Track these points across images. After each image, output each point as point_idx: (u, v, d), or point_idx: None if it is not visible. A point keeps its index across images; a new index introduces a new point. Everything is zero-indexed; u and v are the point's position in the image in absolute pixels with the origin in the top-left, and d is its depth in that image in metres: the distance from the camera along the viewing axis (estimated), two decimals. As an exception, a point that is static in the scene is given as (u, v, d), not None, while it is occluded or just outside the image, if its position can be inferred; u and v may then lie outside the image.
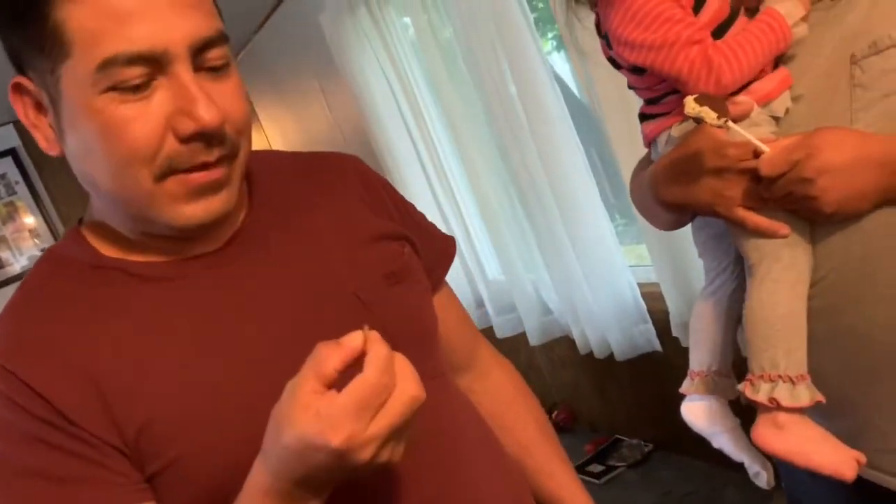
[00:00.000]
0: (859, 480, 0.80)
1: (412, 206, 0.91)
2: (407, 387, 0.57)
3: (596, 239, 2.09)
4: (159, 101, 0.60)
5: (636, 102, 0.94)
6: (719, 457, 0.97)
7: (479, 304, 2.83)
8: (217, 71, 0.63)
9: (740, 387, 0.84)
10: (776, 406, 0.80)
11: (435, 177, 2.71)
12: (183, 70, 0.60)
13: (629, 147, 1.78)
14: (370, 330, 0.58)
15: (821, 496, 0.93)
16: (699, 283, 1.82)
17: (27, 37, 0.61)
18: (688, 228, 1.00)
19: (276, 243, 0.73)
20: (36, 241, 3.60)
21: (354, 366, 0.57)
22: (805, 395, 0.79)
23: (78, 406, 0.62)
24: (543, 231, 2.23)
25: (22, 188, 3.57)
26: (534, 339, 2.52)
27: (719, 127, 0.77)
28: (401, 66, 2.61)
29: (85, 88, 0.59)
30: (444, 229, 3.09)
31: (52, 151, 0.66)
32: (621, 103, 1.74)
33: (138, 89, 0.59)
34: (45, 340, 0.64)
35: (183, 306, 0.66)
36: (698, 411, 0.96)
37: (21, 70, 0.64)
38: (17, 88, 0.65)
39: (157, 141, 0.60)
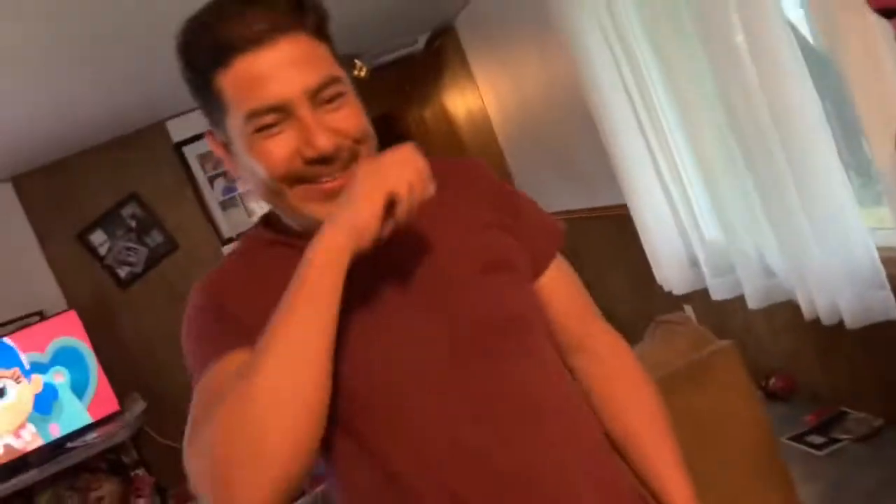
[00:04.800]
0: None
1: (525, 200, 1.03)
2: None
3: (830, 199, 1.96)
4: (288, 136, 0.82)
5: (885, 53, 0.89)
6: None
7: (694, 263, 2.77)
8: (333, 102, 0.83)
9: None
10: None
11: (650, 129, 2.65)
12: (304, 111, 0.81)
13: (874, 100, 1.64)
14: None
15: None
16: (952, 248, 1.67)
17: (205, 102, 0.85)
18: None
19: (406, 234, 0.87)
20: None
21: None
22: None
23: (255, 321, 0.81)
24: (770, 190, 2.13)
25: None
26: (753, 303, 2.42)
27: None
28: (619, 18, 2.57)
29: (241, 133, 0.83)
30: (657, 186, 3.00)
31: (238, 175, 0.90)
32: (867, 54, 1.61)
33: (274, 127, 0.81)
34: (236, 282, 0.90)
35: None
36: None
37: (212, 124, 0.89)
38: (211, 135, 0.90)
39: (289, 163, 0.82)
